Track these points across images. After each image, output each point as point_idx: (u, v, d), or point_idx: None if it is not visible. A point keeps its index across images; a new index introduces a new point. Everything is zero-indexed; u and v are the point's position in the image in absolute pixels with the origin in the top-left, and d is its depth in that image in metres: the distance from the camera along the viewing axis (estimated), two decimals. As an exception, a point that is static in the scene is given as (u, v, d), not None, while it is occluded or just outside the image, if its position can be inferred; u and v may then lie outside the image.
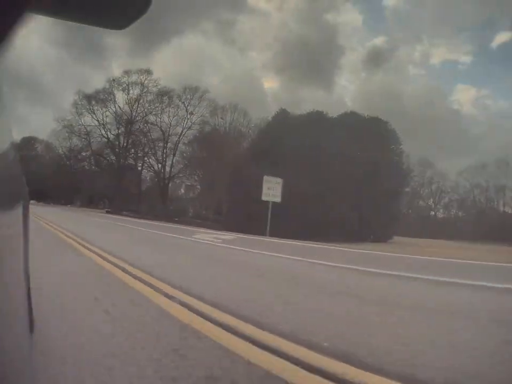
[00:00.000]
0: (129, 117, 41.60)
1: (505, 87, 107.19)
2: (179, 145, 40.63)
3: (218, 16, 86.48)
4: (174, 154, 41.16)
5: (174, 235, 13.14)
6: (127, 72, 42.10)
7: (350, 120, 27.05)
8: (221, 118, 40.88)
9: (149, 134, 40.85)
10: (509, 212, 52.19)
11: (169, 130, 41.11)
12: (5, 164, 0.73)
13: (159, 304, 3.24)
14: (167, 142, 41.38)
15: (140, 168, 43.74)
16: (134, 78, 41.53)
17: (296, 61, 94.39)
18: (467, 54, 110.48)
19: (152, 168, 42.62)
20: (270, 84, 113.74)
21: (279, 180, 19.74)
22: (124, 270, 4.80)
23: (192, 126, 40.49)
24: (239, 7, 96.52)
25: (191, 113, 40.49)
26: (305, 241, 14.00)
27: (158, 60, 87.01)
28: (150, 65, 79.34)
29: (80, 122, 42.60)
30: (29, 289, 1.59)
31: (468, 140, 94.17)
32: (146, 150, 41.81)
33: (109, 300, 3.34)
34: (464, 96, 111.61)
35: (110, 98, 42.14)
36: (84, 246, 7.36)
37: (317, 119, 26.56)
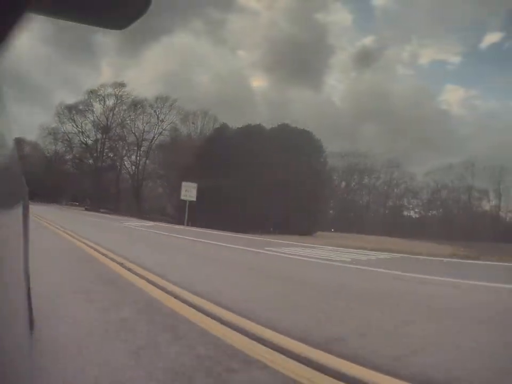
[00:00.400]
0: (106, 125, 47.35)
1: (494, 88, 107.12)
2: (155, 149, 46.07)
3: (209, 15, 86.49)
4: (146, 158, 46.40)
5: (118, 223, 18.84)
6: (103, 85, 48.02)
7: (282, 132, 32.11)
8: (192, 123, 45.10)
9: (125, 138, 46.53)
10: (479, 210, 54.94)
11: (142, 136, 46.29)
12: (5, 163, 0.73)
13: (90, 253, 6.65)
14: (140, 146, 46.66)
15: (118, 170, 48.71)
16: (109, 90, 47.23)
17: (285, 60, 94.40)
18: (456, 54, 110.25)
19: (127, 170, 48.26)
20: (259, 82, 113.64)
21: (194, 185, 24.34)
22: (69, 235, 9.86)
23: (163, 132, 45.72)
24: (229, 6, 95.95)
25: (162, 121, 45.59)
26: (218, 230, 18.48)
27: (148, 58, 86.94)
28: (139, 64, 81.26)
29: (62, 130, 48.45)
30: (29, 289, 1.59)
31: (457, 140, 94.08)
32: (123, 153, 47.47)
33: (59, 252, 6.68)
34: (452, 97, 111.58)
35: (88, 108, 47.97)
36: (54, 227, 12.25)
37: (254, 131, 31.45)
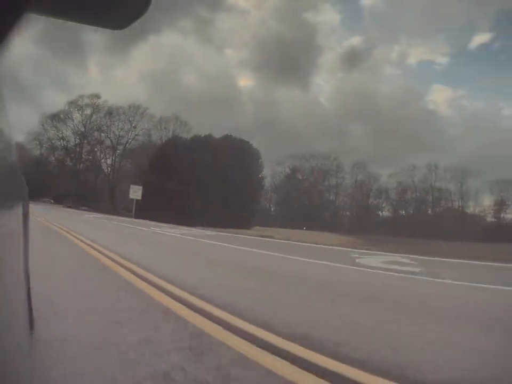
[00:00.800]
0: (83, 131, 53.39)
1: (482, 88, 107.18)
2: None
3: (197, 14, 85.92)
4: (120, 161, 52.39)
5: (84, 216, 24.69)
6: (81, 96, 53.41)
7: (225, 142, 38.38)
8: (164, 128, 49.84)
9: (102, 143, 52.52)
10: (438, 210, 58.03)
11: (117, 141, 52.13)
12: (5, 163, 0.73)
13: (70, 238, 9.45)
14: (116, 150, 52.60)
15: (96, 171, 53.87)
16: (86, 100, 52.41)
17: (273, 59, 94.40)
18: (444, 54, 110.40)
19: (103, 171, 53.70)
20: (246, 82, 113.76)
21: (140, 187, 34.03)
22: (44, 222, 13.94)
23: (136, 137, 51.43)
24: (218, 5, 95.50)
25: (134, 127, 51.27)
26: (156, 222, 23.12)
27: (135, 57, 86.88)
28: (127, 63, 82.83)
29: (46, 136, 53.83)
30: (29, 289, 1.59)
31: (444, 140, 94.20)
32: (100, 156, 53.58)
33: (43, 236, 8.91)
34: (440, 97, 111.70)
35: (68, 117, 53.58)
36: (39, 218, 15.09)
37: (201, 141, 38.12)
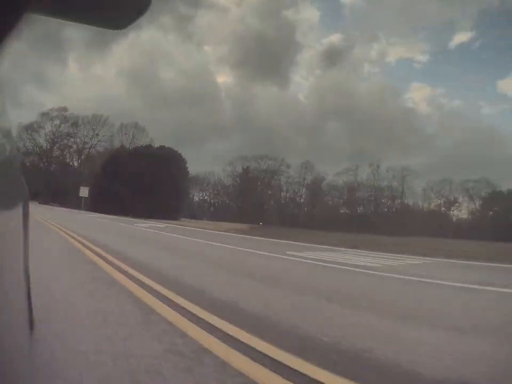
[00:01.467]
0: (53, 138, 60.83)
1: (462, 87, 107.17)
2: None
3: (177, 11, 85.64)
4: (84, 164, 60.65)
5: (48, 209, 28.26)
6: (51, 110, 60.41)
7: (158, 151, 49.38)
8: (125, 133, 58.38)
9: (69, 148, 60.79)
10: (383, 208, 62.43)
11: (82, 146, 61.14)
12: (5, 163, 0.73)
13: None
14: (81, 155, 61.28)
15: (65, 173, 60.19)
16: (56, 113, 59.69)
17: (252, 56, 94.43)
18: (424, 53, 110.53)
19: (71, 172, 60.61)
20: (224, 79, 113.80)
21: (87, 188, 44.55)
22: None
23: (99, 143, 60.07)
24: (199, 2, 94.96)
25: (97, 134, 60.04)
26: (98, 213, 31.40)
27: (115, 53, 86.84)
28: (106, 59, 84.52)
29: (21, 144, 59.46)
30: (29, 289, 1.59)
31: (422, 138, 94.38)
32: (69, 160, 61.88)
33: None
34: (418, 95, 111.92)
35: (41, 126, 60.41)
36: None
37: (142, 149, 49.09)
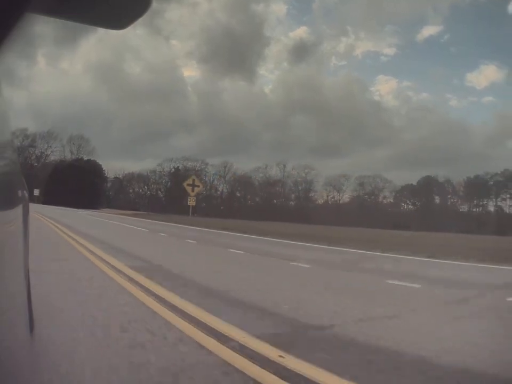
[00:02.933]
0: (18, 149, 70.40)
1: (429, 79, 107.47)
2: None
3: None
4: (40, 171, 66.81)
5: None
6: (15, 130, 66.29)
7: (86, 164, 64.43)
8: (73, 143, 70.51)
9: (31, 157, 69.42)
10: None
11: (40, 155, 70.57)
12: (5, 164, 0.73)
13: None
14: (38, 163, 69.57)
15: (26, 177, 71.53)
16: (18, 132, 65.68)
17: (220, 50, 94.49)
18: (391, 46, 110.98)
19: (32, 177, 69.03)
20: (192, 73, 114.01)
21: (38, 190, 46.03)
22: None
23: (52, 153, 70.90)
24: None
25: (50, 146, 70.98)
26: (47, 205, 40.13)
27: (83, 48, 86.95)
28: (74, 54, 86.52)
29: None
30: (29, 289, 1.59)
31: (389, 132, 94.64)
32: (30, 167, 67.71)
33: None
34: (385, 88, 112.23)
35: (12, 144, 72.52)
36: None
37: (75, 162, 63.85)
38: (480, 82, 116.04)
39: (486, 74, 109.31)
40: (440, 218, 61.41)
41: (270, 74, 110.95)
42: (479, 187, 70.48)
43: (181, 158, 74.11)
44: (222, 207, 73.11)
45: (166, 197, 74.49)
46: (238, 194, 77.20)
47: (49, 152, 72.32)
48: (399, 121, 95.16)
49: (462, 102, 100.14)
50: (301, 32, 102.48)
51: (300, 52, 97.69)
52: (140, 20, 0.73)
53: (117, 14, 0.72)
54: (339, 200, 73.35)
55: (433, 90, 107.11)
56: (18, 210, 1.01)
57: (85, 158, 67.70)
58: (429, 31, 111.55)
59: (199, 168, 74.03)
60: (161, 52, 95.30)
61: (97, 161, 67.66)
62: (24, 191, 1.55)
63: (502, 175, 70.74)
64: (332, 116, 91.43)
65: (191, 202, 20.28)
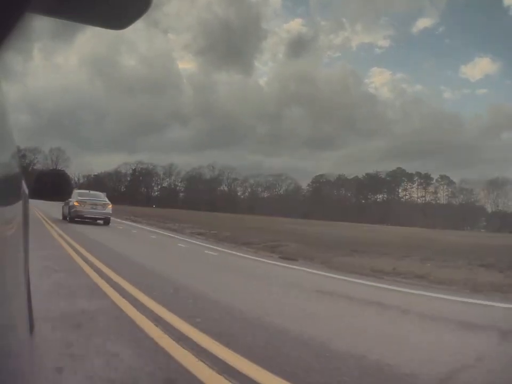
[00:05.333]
0: None
1: (423, 71, 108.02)
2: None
3: None
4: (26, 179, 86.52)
5: None
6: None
7: (53, 171, 68.41)
8: (53, 154, 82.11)
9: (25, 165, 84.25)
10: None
11: (27, 164, 77.10)
12: (5, 163, 0.73)
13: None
14: (27, 172, 78.79)
15: None
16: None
17: (216, 43, 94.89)
18: (386, 38, 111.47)
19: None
20: (187, 66, 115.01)
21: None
22: None
23: (37, 163, 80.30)
24: None
25: (36, 157, 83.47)
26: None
27: (80, 42, 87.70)
28: (71, 47, 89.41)
29: None
30: (29, 289, 1.59)
31: (382, 124, 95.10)
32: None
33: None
34: (379, 79, 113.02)
35: None
36: None
37: (46, 172, 62.87)
38: (474, 75, 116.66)
39: (481, 67, 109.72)
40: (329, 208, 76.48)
41: (264, 66, 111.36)
42: (373, 182, 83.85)
43: (135, 162, 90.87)
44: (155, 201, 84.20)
45: (127, 191, 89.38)
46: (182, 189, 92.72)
47: (35, 162, 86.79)
48: (393, 113, 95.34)
49: (455, 94, 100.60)
50: (297, 25, 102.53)
51: (296, 45, 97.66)
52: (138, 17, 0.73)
53: (117, 14, 0.72)
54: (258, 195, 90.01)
55: (427, 82, 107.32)
56: (19, 206, 1.01)
57: (60, 167, 79.32)
58: (424, 23, 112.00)
59: (151, 168, 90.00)
60: (157, 45, 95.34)
61: (67, 167, 79.64)
62: (24, 186, 1.55)
63: (394, 173, 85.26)
64: (325, 107, 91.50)
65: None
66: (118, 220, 19.44)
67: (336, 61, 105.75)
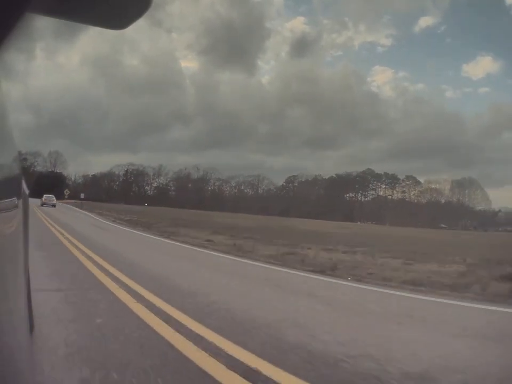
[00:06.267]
0: None
1: (425, 70, 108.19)
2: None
3: None
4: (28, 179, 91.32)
5: None
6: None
7: (51, 173, 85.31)
8: (51, 157, 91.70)
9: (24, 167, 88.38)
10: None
11: (28, 166, 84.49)
12: (5, 162, 0.73)
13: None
14: (27, 172, 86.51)
15: None
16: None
17: (220, 43, 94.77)
18: (388, 36, 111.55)
19: None
20: (190, 65, 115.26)
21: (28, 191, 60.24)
22: None
23: (37, 166, 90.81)
24: None
25: (36, 159, 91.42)
26: None
27: (82, 41, 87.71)
28: (73, 47, 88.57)
29: None
30: (29, 289, 1.59)
31: (384, 123, 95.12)
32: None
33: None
34: (381, 78, 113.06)
35: None
36: None
37: (46, 174, 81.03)
38: (476, 73, 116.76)
39: (482, 65, 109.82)
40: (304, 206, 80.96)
41: (267, 65, 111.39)
42: (343, 182, 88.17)
43: (127, 164, 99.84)
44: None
45: (120, 190, 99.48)
46: (172, 188, 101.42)
47: (35, 164, 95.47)
48: (395, 111, 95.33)
49: (457, 93, 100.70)
50: (301, 25, 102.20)
51: (299, 44, 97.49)
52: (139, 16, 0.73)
53: (117, 14, 0.72)
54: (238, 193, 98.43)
55: (428, 80, 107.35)
56: (19, 205, 1.01)
57: (57, 170, 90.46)
58: (425, 22, 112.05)
59: (141, 170, 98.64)
60: (160, 44, 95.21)
61: (65, 169, 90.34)
62: (25, 186, 1.55)
63: (363, 173, 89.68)
64: (327, 106, 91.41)
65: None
66: (85, 211, 30.05)
67: (338, 60, 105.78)
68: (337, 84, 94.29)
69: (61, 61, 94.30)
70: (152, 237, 12.36)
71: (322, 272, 6.27)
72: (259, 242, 11.23)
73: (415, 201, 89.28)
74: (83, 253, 6.53)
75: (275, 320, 3.04)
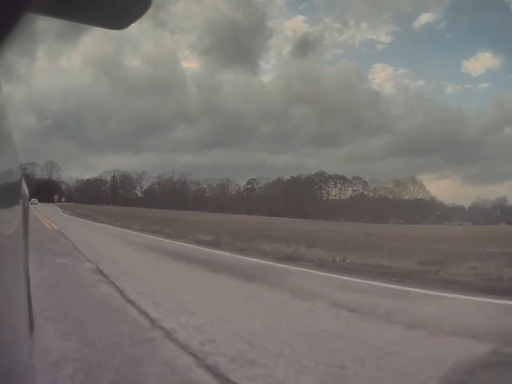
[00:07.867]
0: None
1: (426, 68, 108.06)
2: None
3: None
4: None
5: None
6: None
7: (48, 181, 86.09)
8: (48, 166, 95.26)
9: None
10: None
11: (27, 173, 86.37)
12: (5, 164, 0.73)
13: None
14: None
15: None
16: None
17: (222, 43, 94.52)
18: (388, 33, 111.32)
19: None
20: (192, 66, 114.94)
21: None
22: None
23: (34, 174, 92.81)
24: None
25: (33, 168, 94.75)
26: None
27: (84, 43, 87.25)
28: (75, 48, 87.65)
29: None
30: (29, 289, 1.59)
31: (385, 121, 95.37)
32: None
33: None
34: (382, 75, 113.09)
35: None
36: None
37: (43, 181, 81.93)
38: (476, 69, 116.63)
39: (482, 61, 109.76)
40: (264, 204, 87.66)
41: (269, 65, 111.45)
42: (298, 182, 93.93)
43: (113, 171, 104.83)
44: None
45: (109, 193, 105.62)
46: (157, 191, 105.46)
47: (34, 173, 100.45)
48: (396, 108, 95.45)
49: (457, 89, 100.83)
50: (302, 23, 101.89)
51: (302, 44, 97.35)
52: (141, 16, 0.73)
53: (117, 14, 0.71)
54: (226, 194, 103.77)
55: (429, 77, 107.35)
56: (19, 207, 1.01)
57: (53, 177, 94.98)
58: (426, 18, 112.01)
59: (126, 174, 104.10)
60: (163, 45, 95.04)
61: (59, 177, 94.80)
62: (24, 187, 1.55)
63: (316, 175, 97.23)
64: (329, 105, 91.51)
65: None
66: (59, 208, 38.97)
67: (339, 58, 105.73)
68: (339, 82, 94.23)
69: (63, 63, 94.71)
70: (82, 219, 22.44)
71: (154, 232, 13.85)
72: (149, 225, 16.75)
73: (363, 199, 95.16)
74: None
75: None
